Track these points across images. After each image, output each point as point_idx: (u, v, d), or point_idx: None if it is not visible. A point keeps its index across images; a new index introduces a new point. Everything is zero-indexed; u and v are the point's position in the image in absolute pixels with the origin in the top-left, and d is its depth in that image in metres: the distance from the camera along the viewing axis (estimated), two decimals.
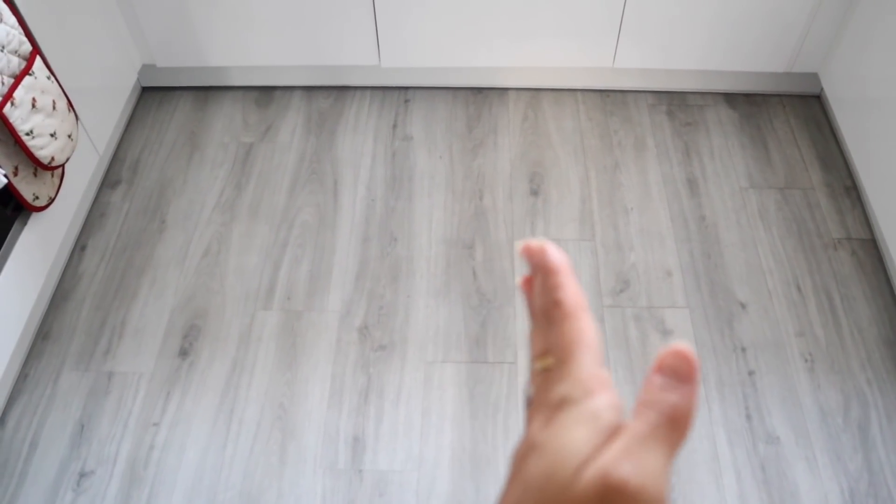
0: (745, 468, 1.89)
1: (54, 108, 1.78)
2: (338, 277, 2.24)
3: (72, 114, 1.87)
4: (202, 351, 2.10)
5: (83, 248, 2.31)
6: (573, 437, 0.38)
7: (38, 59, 1.76)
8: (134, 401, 2.02)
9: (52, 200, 1.98)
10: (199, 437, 1.95)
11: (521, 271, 2.24)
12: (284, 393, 2.02)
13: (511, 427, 1.95)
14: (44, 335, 2.14)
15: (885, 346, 2.06)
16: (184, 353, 2.10)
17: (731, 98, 2.70)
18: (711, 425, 1.95)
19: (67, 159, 1.91)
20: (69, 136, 1.86)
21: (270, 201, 2.42)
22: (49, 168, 1.81)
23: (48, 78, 1.77)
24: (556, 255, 0.46)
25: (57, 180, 1.99)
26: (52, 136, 1.77)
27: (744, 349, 2.08)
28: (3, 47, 1.63)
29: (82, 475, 1.90)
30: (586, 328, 0.43)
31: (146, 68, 2.69)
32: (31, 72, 1.71)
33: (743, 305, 2.16)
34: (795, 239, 2.29)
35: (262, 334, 2.13)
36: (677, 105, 2.68)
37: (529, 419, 0.43)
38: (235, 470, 1.91)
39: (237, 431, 1.96)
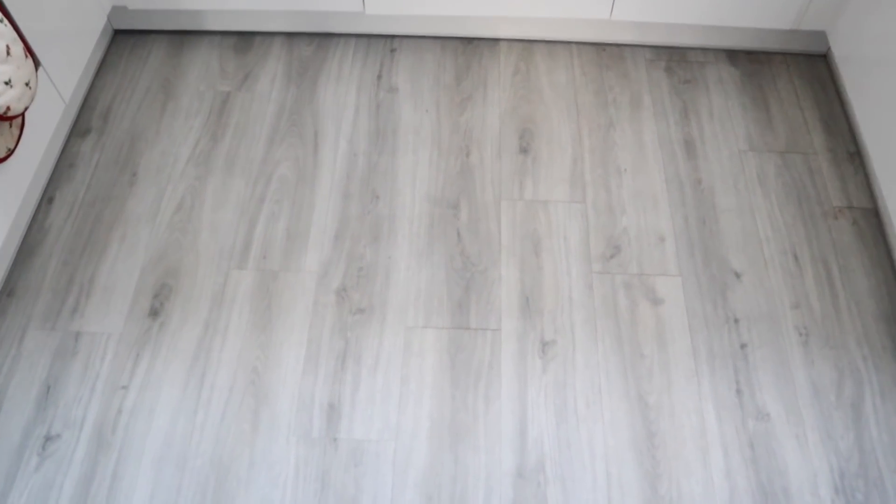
0: (734, 445, 1.83)
1: (8, 53, 1.65)
2: (316, 236, 2.14)
3: (29, 60, 1.75)
4: (173, 311, 2.02)
5: (50, 201, 2.20)
6: None
7: None
8: (102, 362, 1.93)
9: (10, 152, 1.86)
10: (170, 402, 1.88)
11: (507, 233, 2.15)
12: (258, 357, 1.94)
13: (492, 397, 1.88)
14: (8, 292, 2.04)
15: (883, 322, 1.99)
16: (154, 313, 2.01)
17: (733, 55, 2.58)
18: (700, 400, 1.89)
19: (26, 108, 1.79)
20: (27, 84, 1.74)
21: (247, 154, 2.30)
22: (5, 118, 1.69)
23: (0, 21, 1.65)
24: None
25: (16, 130, 1.87)
26: (6, 84, 1.65)
27: (737, 321, 2.00)
28: None
29: (48, 439, 1.83)
30: None
31: (117, 10, 2.54)
32: None
33: (737, 275, 2.08)
34: (794, 206, 2.20)
35: (236, 295, 2.04)
36: (676, 61, 2.56)
37: None
38: (206, 436, 1.84)
39: (208, 396, 1.89)
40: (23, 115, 1.86)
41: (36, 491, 1.76)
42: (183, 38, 2.61)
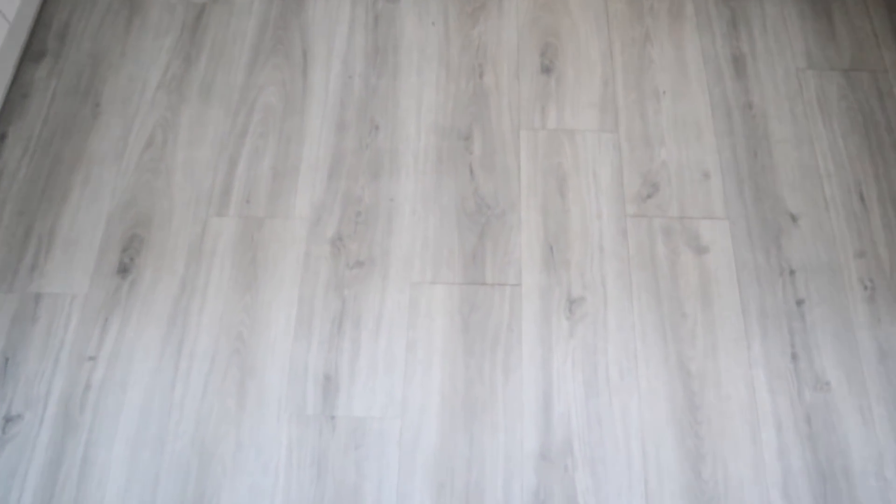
0: (788, 419, 1.59)
1: None
2: (306, 176, 1.86)
3: None
4: (145, 267, 1.76)
5: (2, 138, 1.91)
6: None
7: None
8: (66, 329, 1.70)
9: None
10: (143, 375, 1.65)
11: (528, 168, 1.86)
12: (243, 321, 1.70)
13: (512, 365, 1.64)
14: None
15: None
16: (124, 269, 1.76)
17: None
18: (750, 367, 1.64)
19: None
20: None
21: (226, 79, 1.99)
22: None
23: None
24: None
25: None
26: None
27: (792, 272, 1.74)
28: None
29: (8, 420, 1.61)
30: None
31: None
32: None
33: (793, 218, 1.80)
34: (860, 135, 1.89)
35: (216, 247, 1.78)
36: None
37: None
38: (186, 414, 1.61)
39: (188, 367, 1.66)
40: None
41: None
42: None
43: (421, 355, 1.66)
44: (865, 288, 1.71)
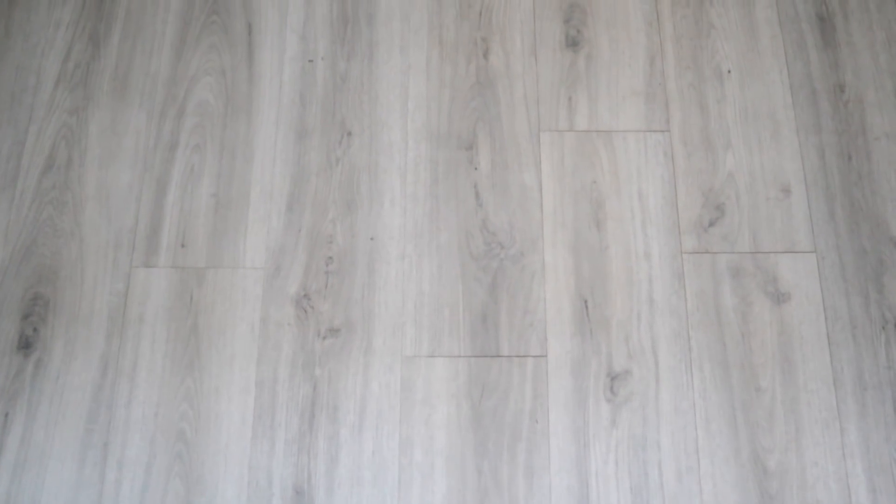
0: None
1: None
2: (259, 206, 1.41)
3: None
4: (54, 340, 1.34)
5: None
6: None
7: None
8: None
9: None
10: (60, 491, 1.26)
11: (552, 188, 1.42)
12: (185, 414, 1.30)
13: (537, 468, 1.26)
14: None
15: None
16: (26, 344, 1.34)
17: None
18: (844, 458, 1.27)
19: None
20: None
21: (146, 67, 1.50)
22: None
23: None
24: None
25: None
26: None
27: None
28: None
29: None
30: None
31: None
32: None
33: None
34: None
35: (145, 311, 1.35)
36: None
37: None
38: None
39: (116, 480, 1.27)
40: None
41: None
42: None
43: (419, 458, 1.27)
44: None
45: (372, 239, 1.38)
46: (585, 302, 1.35)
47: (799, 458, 1.27)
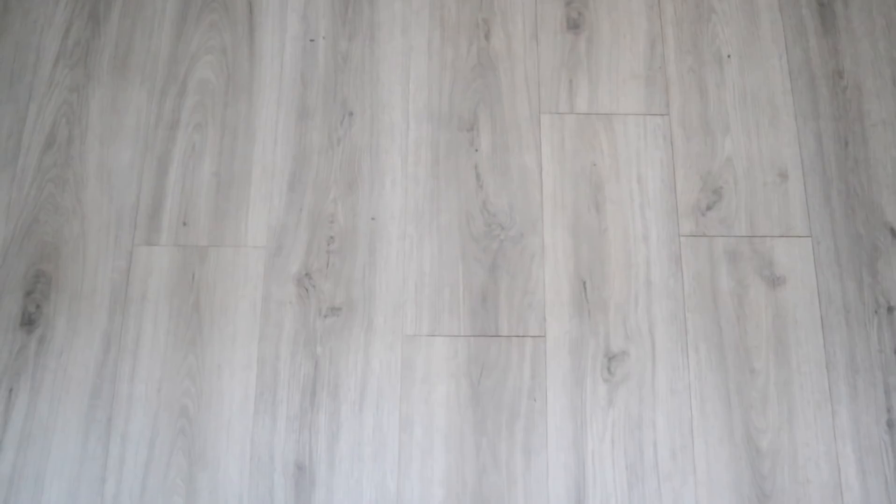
0: None
1: None
2: (260, 185, 1.42)
3: None
4: (56, 317, 1.35)
5: None
6: None
7: None
8: None
9: None
10: (64, 464, 1.28)
11: (552, 171, 1.43)
12: (187, 390, 1.32)
13: (535, 446, 1.28)
14: None
15: None
16: (29, 321, 1.35)
17: None
18: (835, 440, 1.29)
19: None
20: None
21: (147, 45, 1.49)
22: None
23: None
24: None
25: None
26: None
27: (891, 309, 1.35)
28: None
29: None
30: None
31: None
32: None
33: (894, 233, 1.39)
34: None
35: (147, 288, 1.36)
36: None
37: None
38: None
39: (120, 455, 1.29)
40: None
41: None
42: None
43: (419, 435, 1.29)
44: None
45: (373, 219, 1.40)
46: (584, 283, 1.36)
47: (791, 439, 1.29)
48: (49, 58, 1.48)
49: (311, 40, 1.49)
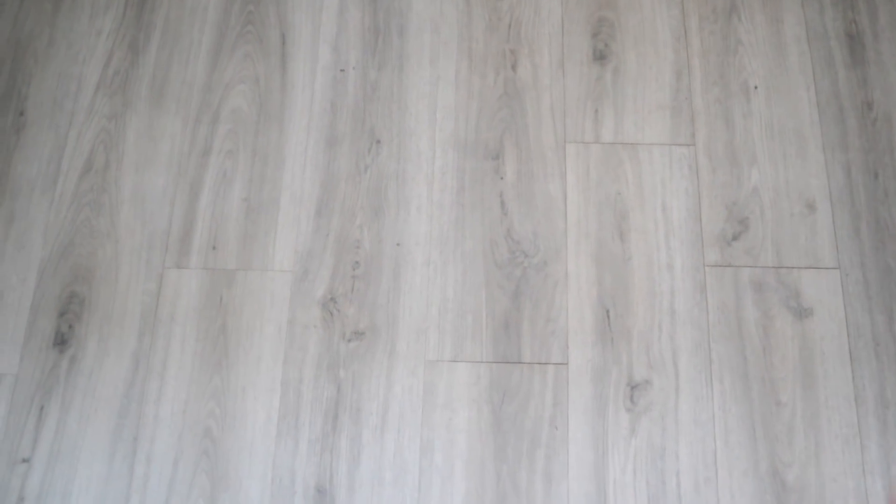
0: None
1: None
2: (288, 211, 1.44)
3: None
4: (88, 338, 1.38)
5: None
6: None
7: None
8: None
9: None
10: (91, 482, 1.30)
11: (577, 199, 1.43)
12: (212, 411, 1.33)
13: (556, 473, 1.27)
14: None
15: None
16: (61, 341, 1.38)
17: None
18: (864, 475, 1.26)
19: None
20: None
21: (183, 75, 1.54)
22: None
23: None
24: None
25: None
26: None
27: None
28: None
29: None
30: None
31: None
32: None
33: None
34: None
35: (176, 310, 1.39)
36: None
37: None
38: None
39: (145, 474, 1.30)
40: None
41: None
42: None
43: (439, 461, 1.29)
44: None
45: (398, 245, 1.41)
46: (607, 311, 1.36)
47: (818, 474, 1.27)
48: (89, 87, 1.54)
49: (342, 70, 1.53)
